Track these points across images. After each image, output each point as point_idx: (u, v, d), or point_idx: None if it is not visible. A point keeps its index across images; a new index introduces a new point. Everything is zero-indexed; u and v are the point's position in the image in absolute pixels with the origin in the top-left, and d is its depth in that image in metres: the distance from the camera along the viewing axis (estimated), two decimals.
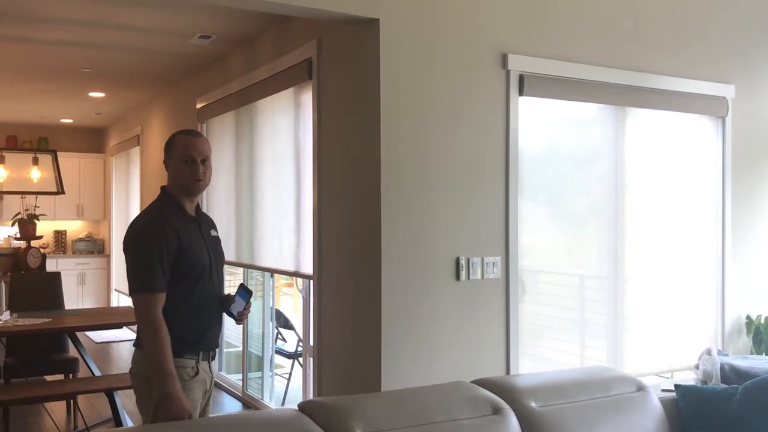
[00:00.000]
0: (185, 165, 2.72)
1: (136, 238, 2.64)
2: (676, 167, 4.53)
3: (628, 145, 4.35)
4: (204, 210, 5.98)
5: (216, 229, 2.94)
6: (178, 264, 2.62)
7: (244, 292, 2.82)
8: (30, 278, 6.35)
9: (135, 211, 8.36)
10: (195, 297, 2.68)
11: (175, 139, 2.78)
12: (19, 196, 9.19)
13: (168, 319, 2.58)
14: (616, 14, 4.24)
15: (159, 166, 2.91)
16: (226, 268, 6.33)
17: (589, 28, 4.15)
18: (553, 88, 4.00)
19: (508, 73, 3.85)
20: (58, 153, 9.88)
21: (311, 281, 4.34)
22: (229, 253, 5.58)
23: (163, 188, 2.79)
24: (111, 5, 4.56)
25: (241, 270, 6.00)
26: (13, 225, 8.23)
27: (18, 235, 8.33)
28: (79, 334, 5.36)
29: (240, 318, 2.83)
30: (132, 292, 2.61)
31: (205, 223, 2.85)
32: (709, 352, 3.61)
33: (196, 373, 2.68)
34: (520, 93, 3.88)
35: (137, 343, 2.69)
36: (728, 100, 4.65)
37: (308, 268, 4.34)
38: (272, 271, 5.12)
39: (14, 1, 4.47)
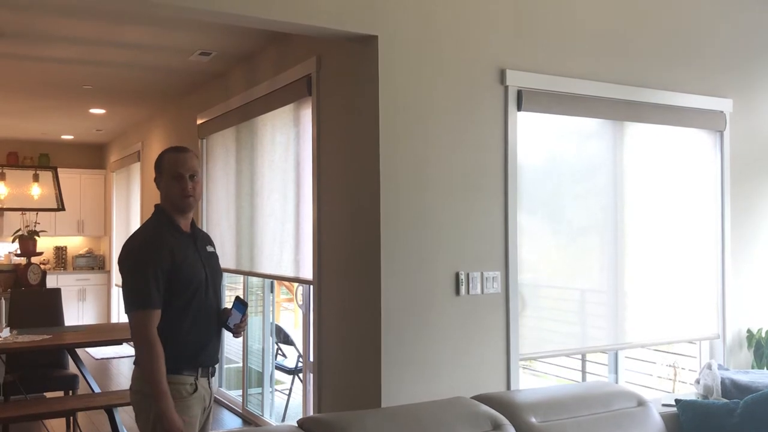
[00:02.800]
0: (175, 182, 2.74)
1: (130, 256, 2.67)
2: (675, 181, 4.54)
3: (627, 159, 4.36)
4: (204, 222, 6.08)
5: (213, 245, 2.95)
6: (173, 281, 2.63)
7: (240, 304, 2.83)
8: (30, 295, 6.35)
9: (136, 226, 8.34)
10: (191, 313, 2.69)
11: (163, 157, 2.79)
12: (20, 212, 9.19)
13: (165, 336, 2.59)
14: (614, 30, 4.27)
15: None
16: (227, 282, 6.36)
17: (587, 43, 4.17)
18: (551, 103, 4.02)
19: (506, 88, 3.87)
20: (58, 169, 9.90)
21: (311, 287, 4.34)
22: (229, 261, 5.60)
23: (156, 206, 2.82)
24: (111, 23, 4.59)
25: (241, 286, 6.00)
26: (13, 241, 8.22)
27: (18, 252, 8.32)
28: (79, 351, 5.35)
29: (236, 331, 2.83)
30: (127, 310, 2.64)
31: (200, 239, 2.86)
32: (709, 366, 3.61)
33: (195, 390, 2.68)
34: (519, 108, 3.90)
35: (137, 361, 2.70)
36: (726, 115, 4.67)
37: (308, 275, 4.36)
38: (272, 278, 5.12)
39: (16, 20, 4.50)
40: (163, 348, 2.58)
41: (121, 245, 2.76)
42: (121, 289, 2.79)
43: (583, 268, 4.24)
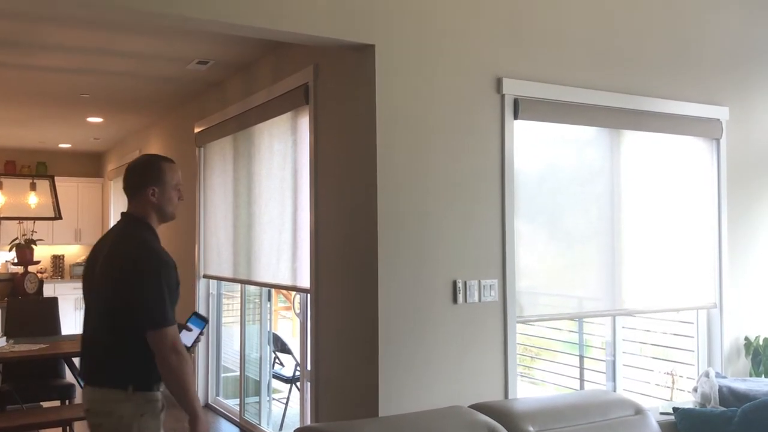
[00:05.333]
0: (176, 193, 2.70)
1: (144, 268, 2.51)
2: (673, 189, 4.54)
3: (624, 167, 4.37)
4: (201, 230, 6.07)
5: None
6: (172, 295, 2.56)
7: (199, 320, 2.72)
8: (27, 304, 6.34)
9: None
10: None
11: (162, 166, 2.69)
12: (17, 221, 9.19)
13: (143, 353, 2.48)
14: (611, 38, 4.28)
15: None
16: (225, 291, 6.34)
17: (583, 51, 4.19)
18: (547, 112, 4.03)
19: (502, 97, 3.88)
20: (56, 177, 9.90)
21: (308, 295, 4.34)
22: (227, 270, 5.59)
23: (135, 216, 2.68)
24: (109, 32, 4.60)
25: (239, 294, 5.99)
26: (10, 250, 8.21)
27: (15, 261, 8.31)
28: (75, 360, 5.33)
29: (192, 348, 2.70)
30: (152, 328, 2.46)
31: None
32: (707, 374, 3.61)
33: (163, 406, 2.60)
34: (515, 116, 3.91)
35: (94, 381, 2.56)
36: (722, 122, 4.68)
37: (305, 283, 4.36)
38: (269, 286, 5.11)
39: (14, 29, 4.51)
40: (139, 365, 2.49)
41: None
42: (123, 298, 2.61)
43: (581, 275, 4.24)
